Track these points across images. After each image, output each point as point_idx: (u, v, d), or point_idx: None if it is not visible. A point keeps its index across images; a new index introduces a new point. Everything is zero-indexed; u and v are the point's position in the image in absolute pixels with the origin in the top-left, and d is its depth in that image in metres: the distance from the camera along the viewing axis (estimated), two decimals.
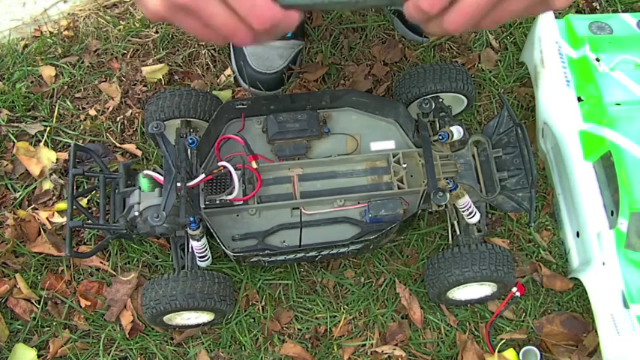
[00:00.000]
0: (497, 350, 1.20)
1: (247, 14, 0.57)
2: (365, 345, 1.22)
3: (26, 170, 1.36)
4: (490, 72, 1.46)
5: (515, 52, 1.48)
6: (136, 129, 1.40)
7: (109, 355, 1.21)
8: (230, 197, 1.08)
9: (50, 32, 1.51)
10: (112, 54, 1.49)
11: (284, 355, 1.21)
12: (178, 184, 1.02)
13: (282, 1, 0.60)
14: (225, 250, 1.06)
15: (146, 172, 1.05)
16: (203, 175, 1.06)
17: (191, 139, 1.10)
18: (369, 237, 1.09)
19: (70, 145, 1.36)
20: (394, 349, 1.20)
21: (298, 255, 1.11)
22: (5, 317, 1.24)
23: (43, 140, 1.38)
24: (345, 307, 1.25)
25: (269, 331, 1.23)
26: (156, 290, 1.07)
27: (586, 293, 1.15)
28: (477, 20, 0.59)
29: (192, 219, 1.02)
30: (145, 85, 1.45)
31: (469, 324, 1.24)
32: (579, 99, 1.24)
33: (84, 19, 1.54)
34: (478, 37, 1.50)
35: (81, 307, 1.24)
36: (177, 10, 0.58)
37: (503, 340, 1.22)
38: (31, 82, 1.46)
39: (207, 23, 0.59)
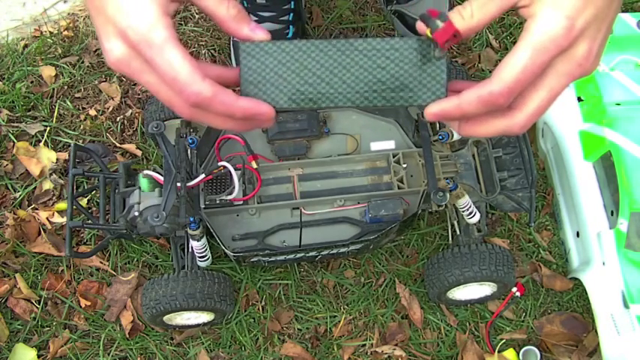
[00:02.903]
0: (497, 350, 1.20)
1: (172, 88, 0.54)
2: (365, 345, 1.22)
3: (26, 170, 1.36)
4: (490, 72, 1.45)
5: None
6: (136, 129, 1.40)
7: (109, 355, 1.21)
8: (230, 197, 1.08)
9: (50, 32, 1.51)
10: None
11: (284, 355, 1.21)
12: (178, 184, 1.02)
13: (255, 95, 0.57)
14: (225, 250, 1.06)
15: (146, 172, 1.05)
16: (203, 175, 1.06)
17: (191, 139, 1.10)
18: (369, 237, 1.09)
19: (70, 145, 1.36)
20: (394, 349, 1.20)
21: (298, 255, 1.11)
22: (5, 317, 1.24)
23: (43, 140, 1.38)
24: (345, 307, 1.25)
25: (269, 331, 1.23)
26: (156, 290, 1.07)
27: (586, 293, 1.15)
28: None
29: (192, 219, 1.02)
30: None
31: (469, 324, 1.24)
32: (579, 99, 1.24)
33: (84, 19, 1.54)
34: (478, 37, 1.50)
35: (81, 307, 1.24)
36: (124, 73, 0.57)
37: (503, 340, 1.22)
38: (31, 82, 1.46)
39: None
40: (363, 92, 0.58)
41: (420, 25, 0.56)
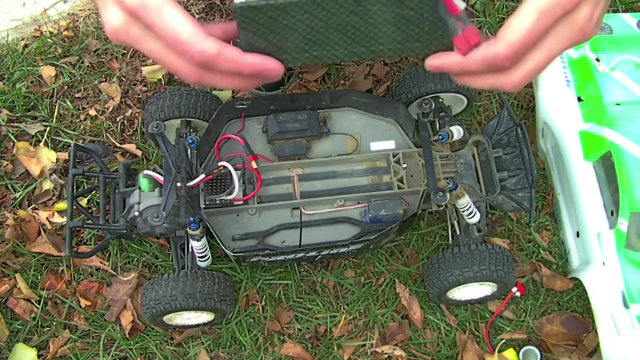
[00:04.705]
0: (497, 350, 1.20)
1: (175, 50, 0.53)
2: (365, 345, 1.22)
3: (26, 170, 1.36)
4: None
5: None
6: (136, 129, 1.40)
7: (109, 355, 1.21)
8: (230, 197, 1.08)
9: (50, 32, 1.51)
10: (112, 54, 1.49)
11: (284, 355, 1.21)
12: (178, 184, 1.02)
13: (244, 44, 0.54)
14: (225, 250, 1.06)
15: (146, 172, 1.05)
16: (203, 175, 1.06)
17: (191, 139, 1.10)
18: (369, 237, 1.09)
19: (70, 145, 1.36)
20: (394, 349, 1.20)
21: (298, 255, 1.11)
22: (5, 317, 1.24)
23: (43, 140, 1.38)
24: (345, 307, 1.25)
25: (269, 331, 1.23)
26: (156, 290, 1.07)
27: (586, 293, 1.15)
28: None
29: (192, 219, 1.02)
30: (145, 85, 1.45)
31: (469, 324, 1.24)
32: (579, 99, 1.24)
33: (84, 19, 1.54)
34: None
35: (81, 307, 1.24)
36: (124, 43, 0.56)
37: (503, 340, 1.22)
38: (31, 82, 1.46)
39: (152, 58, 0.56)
40: (368, 46, 0.56)
41: None
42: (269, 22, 0.55)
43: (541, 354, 1.19)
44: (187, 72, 0.55)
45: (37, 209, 1.32)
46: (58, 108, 1.42)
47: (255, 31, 0.56)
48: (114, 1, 0.53)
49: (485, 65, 0.54)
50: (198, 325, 1.20)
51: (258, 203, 1.12)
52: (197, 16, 1.53)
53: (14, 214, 1.31)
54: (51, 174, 1.35)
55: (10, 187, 1.35)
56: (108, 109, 1.42)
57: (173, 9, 0.52)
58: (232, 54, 0.54)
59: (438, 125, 1.20)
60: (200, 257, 1.11)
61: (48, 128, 1.40)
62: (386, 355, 1.21)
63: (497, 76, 0.57)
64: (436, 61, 0.57)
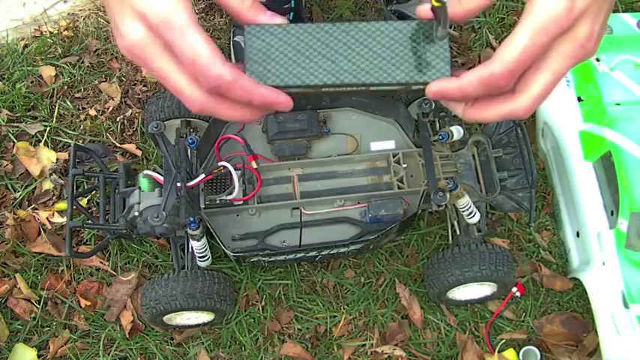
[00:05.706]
0: (497, 350, 1.20)
1: (191, 71, 0.53)
2: (365, 345, 1.22)
3: (26, 170, 1.36)
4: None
5: None
6: (136, 129, 1.40)
7: (109, 355, 1.21)
8: (230, 197, 1.08)
9: (50, 32, 1.51)
10: (112, 54, 1.49)
11: (284, 355, 1.21)
12: (178, 184, 1.02)
13: (265, 81, 0.55)
14: (225, 250, 1.06)
15: (146, 172, 1.05)
16: (203, 175, 1.06)
17: (191, 139, 1.10)
18: (369, 237, 1.09)
19: (70, 145, 1.36)
20: (394, 349, 1.20)
21: (298, 255, 1.11)
22: (5, 317, 1.24)
23: (43, 140, 1.38)
24: (345, 307, 1.25)
25: (269, 331, 1.23)
26: (156, 290, 1.07)
27: (586, 293, 1.15)
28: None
29: (192, 219, 1.02)
30: (145, 85, 1.45)
31: (469, 324, 1.24)
32: (579, 99, 1.24)
33: (84, 19, 1.54)
34: (478, 37, 1.50)
35: (81, 307, 1.24)
36: (136, 59, 0.55)
37: (503, 340, 1.22)
38: (31, 82, 1.46)
39: (158, 77, 0.55)
40: (369, 70, 0.58)
41: (420, 11, 0.56)
42: (274, 40, 0.57)
43: (541, 354, 1.19)
44: (193, 97, 0.55)
45: (37, 209, 1.32)
46: (58, 108, 1.42)
47: (260, 47, 0.57)
48: (135, 14, 0.52)
49: (484, 86, 0.54)
50: (198, 325, 1.20)
51: (258, 203, 1.12)
52: (197, 16, 1.53)
53: (14, 214, 1.31)
54: (51, 174, 1.35)
55: (10, 187, 1.35)
56: (108, 109, 1.42)
57: (196, 30, 0.52)
58: (248, 83, 0.54)
59: (438, 125, 1.20)
60: (200, 257, 1.11)
61: (48, 128, 1.40)
62: (386, 355, 1.21)
63: (504, 103, 0.56)
64: (435, 86, 0.57)
